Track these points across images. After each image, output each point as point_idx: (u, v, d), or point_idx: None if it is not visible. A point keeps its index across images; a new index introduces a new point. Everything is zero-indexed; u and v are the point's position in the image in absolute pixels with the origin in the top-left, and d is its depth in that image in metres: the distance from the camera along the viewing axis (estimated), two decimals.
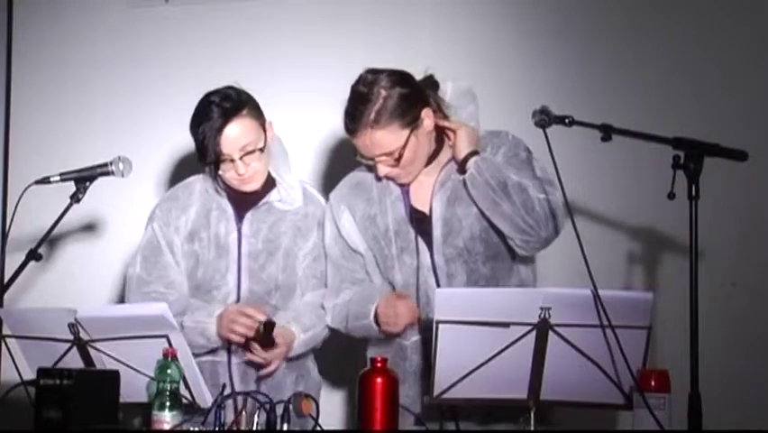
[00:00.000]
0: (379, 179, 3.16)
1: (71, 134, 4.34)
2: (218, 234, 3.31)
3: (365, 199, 3.19)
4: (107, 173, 3.22)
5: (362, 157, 3.10)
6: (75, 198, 3.19)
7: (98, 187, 3.26)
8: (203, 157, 3.21)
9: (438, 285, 3.06)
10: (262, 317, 3.12)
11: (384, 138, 3.03)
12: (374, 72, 3.09)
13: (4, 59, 4.46)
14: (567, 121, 2.77)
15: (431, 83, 3.17)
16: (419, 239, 3.10)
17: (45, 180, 3.21)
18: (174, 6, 4.30)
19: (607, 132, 2.73)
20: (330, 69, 4.05)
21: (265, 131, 3.26)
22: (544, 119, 2.77)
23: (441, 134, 3.15)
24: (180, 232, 3.34)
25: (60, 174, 3.21)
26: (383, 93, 3.03)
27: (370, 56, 3.99)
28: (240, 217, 3.31)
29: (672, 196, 2.59)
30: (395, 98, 3.04)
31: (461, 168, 3.07)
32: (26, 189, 3.20)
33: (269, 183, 3.31)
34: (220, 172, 3.22)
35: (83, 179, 3.20)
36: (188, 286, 3.33)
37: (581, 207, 3.61)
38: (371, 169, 3.13)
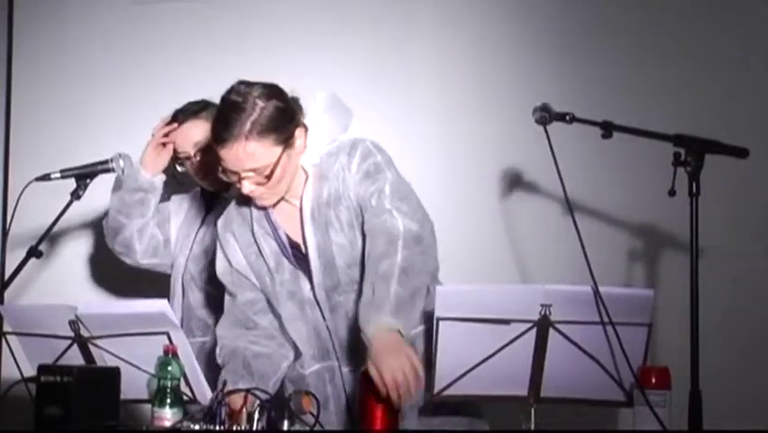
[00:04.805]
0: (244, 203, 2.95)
1: (72, 131, 4.33)
2: None
3: (247, 228, 2.98)
4: (108, 170, 3.22)
5: (228, 172, 2.82)
6: (75, 195, 3.20)
7: (99, 184, 3.26)
8: None
9: (324, 319, 2.92)
10: None
11: (258, 151, 2.77)
12: (248, 84, 2.84)
13: (5, 56, 4.47)
14: (568, 118, 2.77)
15: (297, 105, 2.93)
16: (299, 272, 2.94)
17: (46, 177, 3.21)
18: (175, 3, 4.29)
19: (607, 129, 2.73)
20: (332, 68, 4.05)
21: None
22: (545, 116, 2.77)
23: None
24: None
25: (61, 171, 3.21)
26: (260, 103, 2.78)
27: (372, 54, 4.02)
28: None
29: (672, 193, 2.59)
30: (271, 110, 2.79)
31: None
32: (27, 186, 3.21)
33: None
34: None
35: (83, 176, 3.20)
36: None
37: (582, 204, 3.61)
38: (234, 187, 2.88)
